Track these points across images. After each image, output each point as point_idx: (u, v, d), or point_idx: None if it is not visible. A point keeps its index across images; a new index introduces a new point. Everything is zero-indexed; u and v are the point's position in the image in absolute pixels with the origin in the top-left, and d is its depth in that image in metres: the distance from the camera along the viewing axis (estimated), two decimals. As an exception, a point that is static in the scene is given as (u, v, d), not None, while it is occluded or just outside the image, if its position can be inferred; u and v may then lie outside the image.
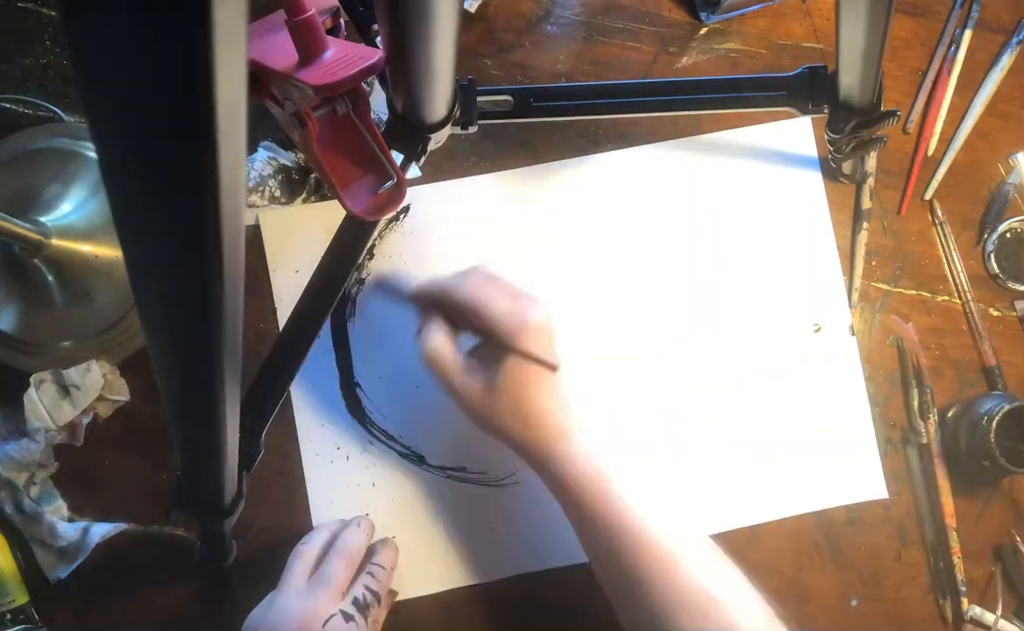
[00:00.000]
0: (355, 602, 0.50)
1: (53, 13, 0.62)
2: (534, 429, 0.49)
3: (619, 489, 0.48)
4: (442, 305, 0.52)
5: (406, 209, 0.62)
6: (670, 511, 0.49)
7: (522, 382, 0.49)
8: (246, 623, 0.50)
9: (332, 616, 0.48)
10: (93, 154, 0.58)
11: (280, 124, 0.50)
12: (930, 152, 0.65)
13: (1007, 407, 0.57)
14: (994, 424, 0.57)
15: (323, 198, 0.61)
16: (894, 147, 0.65)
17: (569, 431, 0.50)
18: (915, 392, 0.62)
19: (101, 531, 0.56)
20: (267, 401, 0.51)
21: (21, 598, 0.56)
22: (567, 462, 0.49)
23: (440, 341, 0.51)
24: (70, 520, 0.57)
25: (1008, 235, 0.64)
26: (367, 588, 0.51)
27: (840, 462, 0.61)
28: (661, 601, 0.46)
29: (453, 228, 0.62)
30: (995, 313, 0.64)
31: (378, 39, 0.44)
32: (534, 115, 0.56)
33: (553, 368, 0.49)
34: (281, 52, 0.43)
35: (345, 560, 0.52)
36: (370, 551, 0.55)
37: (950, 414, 0.62)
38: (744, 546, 0.60)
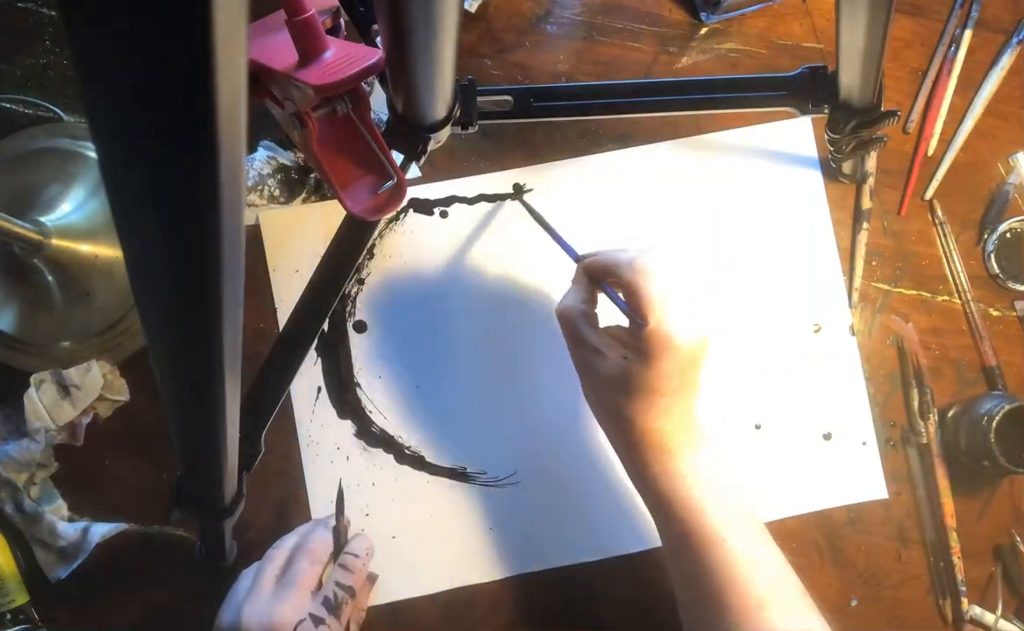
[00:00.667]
0: (325, 602, 0.50)
1: (53, 13, 0.62)
2: (638, 434, 0.48)
3: (715, 517, 0.47)
4: (590, 272, 0.52)
5: (406, 209, 0.62)
6: (770, 548, 0.48)
7: (651, 380, 0.47)
8: (216, 624, 0.50)
9: (301, 621, 0.48)
10: (93, 154, 0.58)
11: (280, 124, 0.50)
12: (930, 152, 0.65)
13: (1007, 407, 0.57)
14: (994, 424, 0.57)
15: (323, 198, 0.61)
16: (894, 147, 0.65)
17: (675, 449, 0.48)
18: (915, 392, 0.62)
19: (101, 531, 0.56)
20: (267, 401, 0.51)
21: (21, 598, 0.56)
22: (664, 478, 0.48)
23: (569, 301, 0.51)
24: (70, 520, 0.57)
25: (1008, 235, 0.64)
26: (338, 585, 0.51)
27: (840, 462, 0.61)
28: None
29: (453, 228, 0.62)
30: (995, 313, 0.64)
31: (378, 39, 0.44)
32: (534, 115, 0.56)
33: (626, 315, 0.48)
34: (281, 52, 0.43)
35: (310, 558, 0.52)
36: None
37: (950, 414, 0.62)
38: (744, 546, 0.60)
